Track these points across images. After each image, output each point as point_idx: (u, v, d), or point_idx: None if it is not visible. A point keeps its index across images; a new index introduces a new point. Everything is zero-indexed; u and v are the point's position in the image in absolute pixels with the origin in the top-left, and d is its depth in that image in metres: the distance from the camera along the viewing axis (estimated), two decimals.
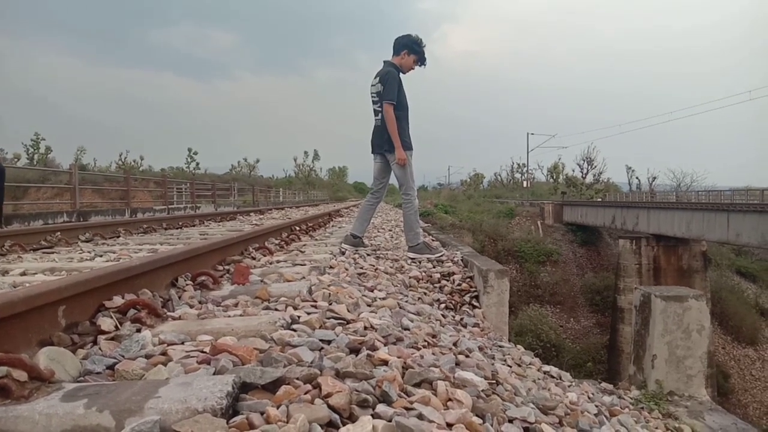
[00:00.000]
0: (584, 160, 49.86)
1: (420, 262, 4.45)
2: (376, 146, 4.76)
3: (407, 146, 4.59)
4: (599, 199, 40.15)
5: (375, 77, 4.65)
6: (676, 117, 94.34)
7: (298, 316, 1.78)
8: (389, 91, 4.47)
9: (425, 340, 1.98)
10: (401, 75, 4.65)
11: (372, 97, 4.66)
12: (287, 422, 1.00)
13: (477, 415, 1.29)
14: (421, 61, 4.72)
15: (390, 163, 4.68)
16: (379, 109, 4.57)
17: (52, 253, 4.13)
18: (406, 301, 2.91)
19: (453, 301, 3.67)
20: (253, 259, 3.52)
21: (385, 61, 4.70)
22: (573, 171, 52.04)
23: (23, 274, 2.92)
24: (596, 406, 2.32)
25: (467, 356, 1.96)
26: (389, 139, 4.54)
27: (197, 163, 42.78)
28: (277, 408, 1.04)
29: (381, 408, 1.14)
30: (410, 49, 4.64)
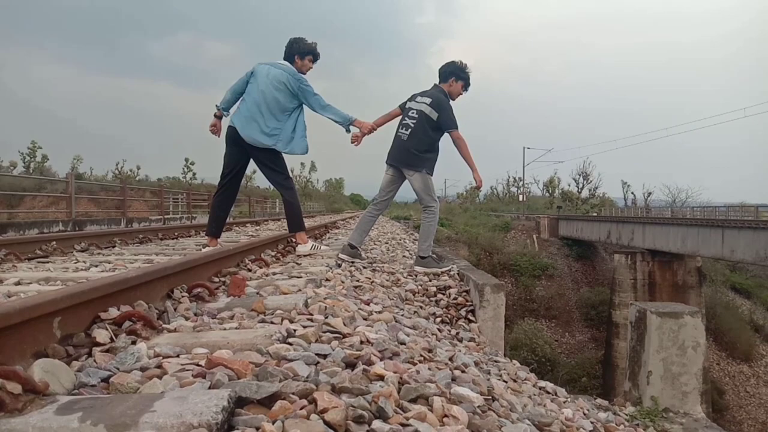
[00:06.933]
0: (580, 175, 50.21)
1: (416, 275, 4.45)
2: (395, 160, 4.73)
3: (431, 172, 4.66)
4: (595, 214, 40.32)
5: (422, 96, 4.67)
6: (671, 133, 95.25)
7: (294, 330, 1.77)
8: (450, 120, 4.55)
9: (421, 355, 1.98)
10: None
11: (410, 111, 4.66)
12: None
13: None
14: (466, 86, 4.79)
15: (408, 177, 4.69)
16: (412, 124, 4.59)
17: (48, 262, 4.11)
18: (402, 315, 2.91)
19: (449, 315, 3.66)
20: (249, 270, 3.51)
21: (435, 85, 4.75)
22: (569, 185, 52.40)
23: (18, 283, 2.90)
24: (591, 422, 2.31)
25: (463, 371, 1.96)
26: (411, 156, 4.58)
27: (194, 174, 42.77)
28: (273, 423, 1.04)
29: (377, 424, 1.13)
30: (457, 76, 4.70)
